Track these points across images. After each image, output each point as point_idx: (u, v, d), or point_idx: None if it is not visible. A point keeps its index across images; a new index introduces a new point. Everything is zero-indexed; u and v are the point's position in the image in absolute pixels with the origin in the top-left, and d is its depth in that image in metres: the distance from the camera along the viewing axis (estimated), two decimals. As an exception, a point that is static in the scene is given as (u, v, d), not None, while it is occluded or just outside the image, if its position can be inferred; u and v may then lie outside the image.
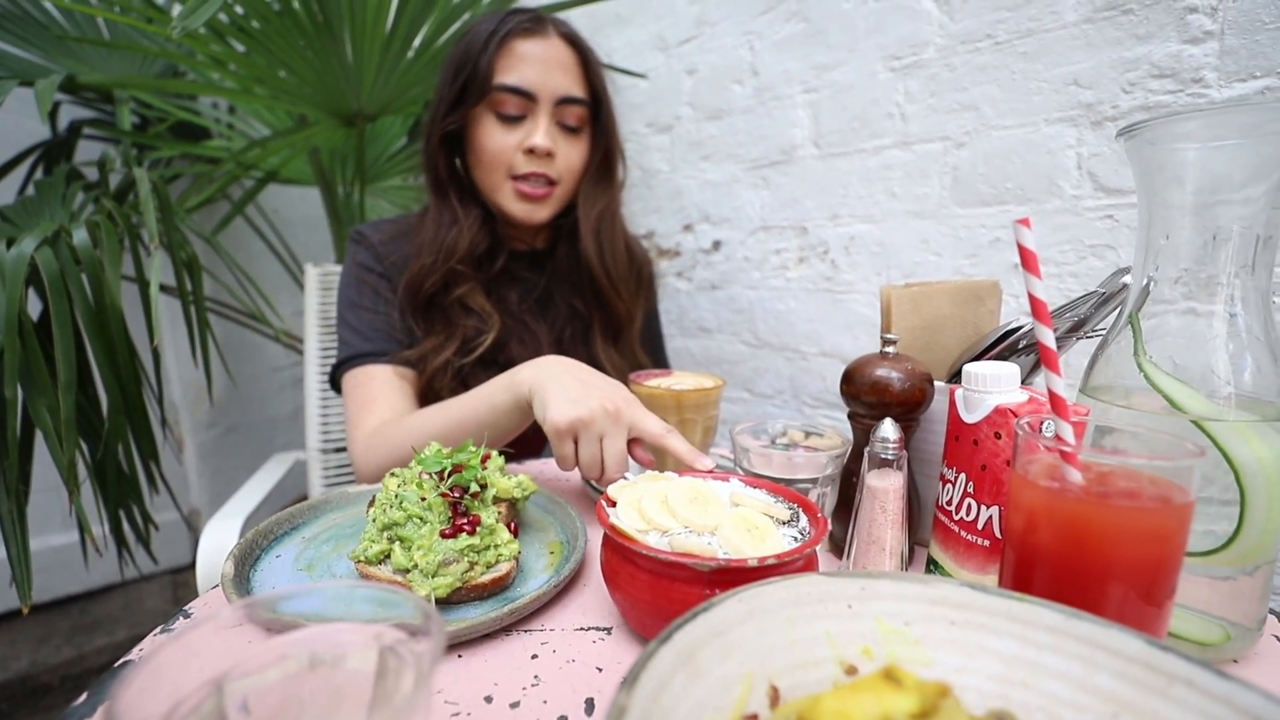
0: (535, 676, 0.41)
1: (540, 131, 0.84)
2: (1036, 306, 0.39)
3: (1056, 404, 0.39)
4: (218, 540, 0.88)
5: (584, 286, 0.95)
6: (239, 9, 1.11)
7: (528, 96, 0.83)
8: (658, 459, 0.63)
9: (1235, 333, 0.45)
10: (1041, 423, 0.41)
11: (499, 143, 0.85)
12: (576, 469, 0.62)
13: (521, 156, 0.85)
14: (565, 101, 0.85)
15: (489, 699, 0.39)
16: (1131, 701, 0.30)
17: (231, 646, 0.26)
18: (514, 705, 0.38)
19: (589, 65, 0.88)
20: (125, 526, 1.04)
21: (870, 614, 0.35)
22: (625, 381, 0.73)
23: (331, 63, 1.18)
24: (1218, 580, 0.45)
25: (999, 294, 0.68)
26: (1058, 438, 0.39)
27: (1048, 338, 0.39)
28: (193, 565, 2.00)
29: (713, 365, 1.27)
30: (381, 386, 0.83)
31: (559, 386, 0.61)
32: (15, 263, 0.81)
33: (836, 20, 0.99)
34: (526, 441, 0.93)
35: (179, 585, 1.89)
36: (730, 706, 0.29)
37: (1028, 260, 0.38)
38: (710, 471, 0.54)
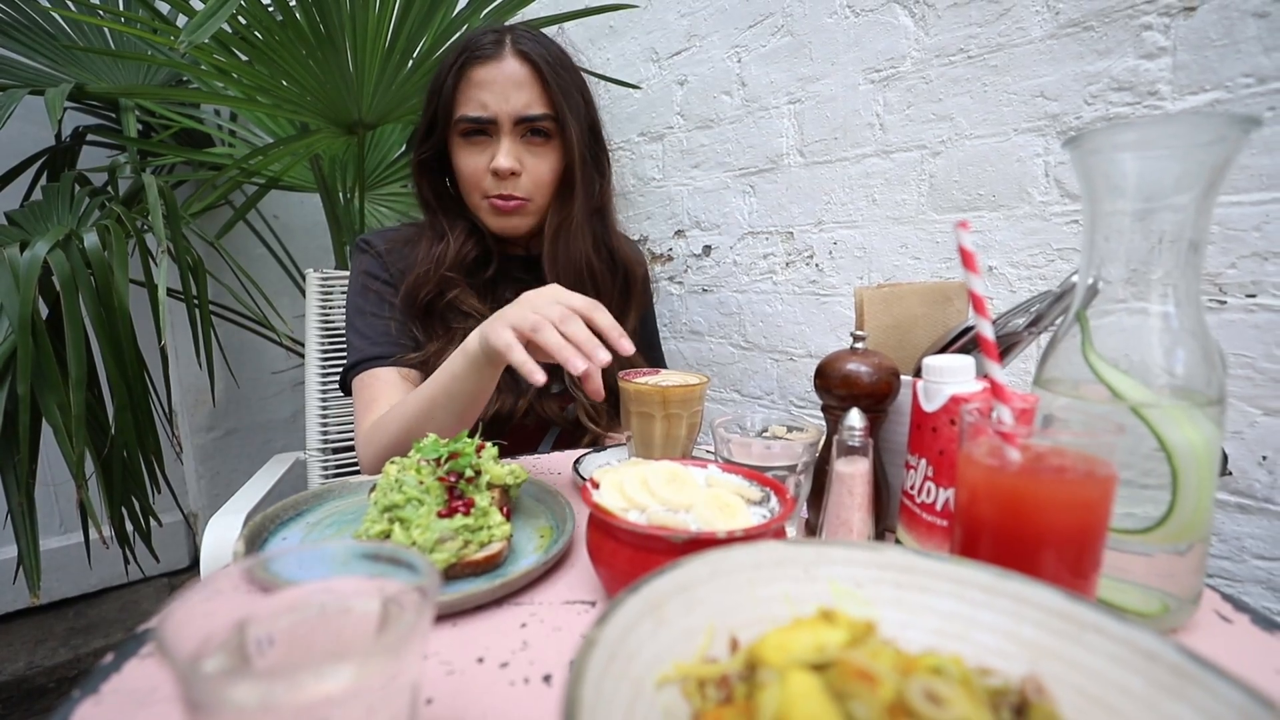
0: (524, 642, 0.44)
1: (502, 153, 0.88)
2: (976, 302, 0.43)
3: (996, 390, 0.42)
4: (221, 534, 0.92)
5: (570, 287, 0.98)
6: (242, 20, 1.15)
7: (487, 123, 0.88)
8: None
9: (1170, 328, 0.49)
10: (992, 409, 0.45)
11: (470, 165, 0.90)
12: (571, 462, 0.65)
13: (489, 178, 0.89)
14: (524, 120, 0.89)
15: (480, 660, 0.42)
16: (1050, 648, 0.33)
17: (246, 600, 0.30)
18: (503, 665, 0.42)
19: (547, 79, 0.89)
20: (128, 526, 1.08)
21: (824, 577, 0.38)
22: (616, 379, 0.77)
23: (333, 73, 1.22)
24: (1155, 556, 0.49)
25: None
26: (999, 421, 0.43)
27: (987, 330, 0.43)
28: (190, 568, 2.03)
29: (704, 367, 1.31)
30: (384, 386, 0.87)
31: (495, 318, 0.66)
32: (29, 264, 0.84)
33: (819, 34, 1.03)
34: (524, 435, 0.97)
35: (176, 588, 1.91)
36: (693, 652, 0.33)
37: (967, 260, 0.42)
38: (631, 356, 0.65)
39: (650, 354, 1.09)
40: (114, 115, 1.53)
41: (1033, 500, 0.40)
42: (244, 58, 1.23)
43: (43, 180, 1.47)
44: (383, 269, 0.94)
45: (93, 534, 1.03)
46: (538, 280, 1.00)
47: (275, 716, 0.24)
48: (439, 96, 0.90)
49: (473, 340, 0.69)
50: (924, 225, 0.93)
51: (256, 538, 0.55)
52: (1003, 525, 0.41)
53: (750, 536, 0.43)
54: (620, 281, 1.02)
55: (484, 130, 0.89)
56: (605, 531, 0.46)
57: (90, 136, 1.51)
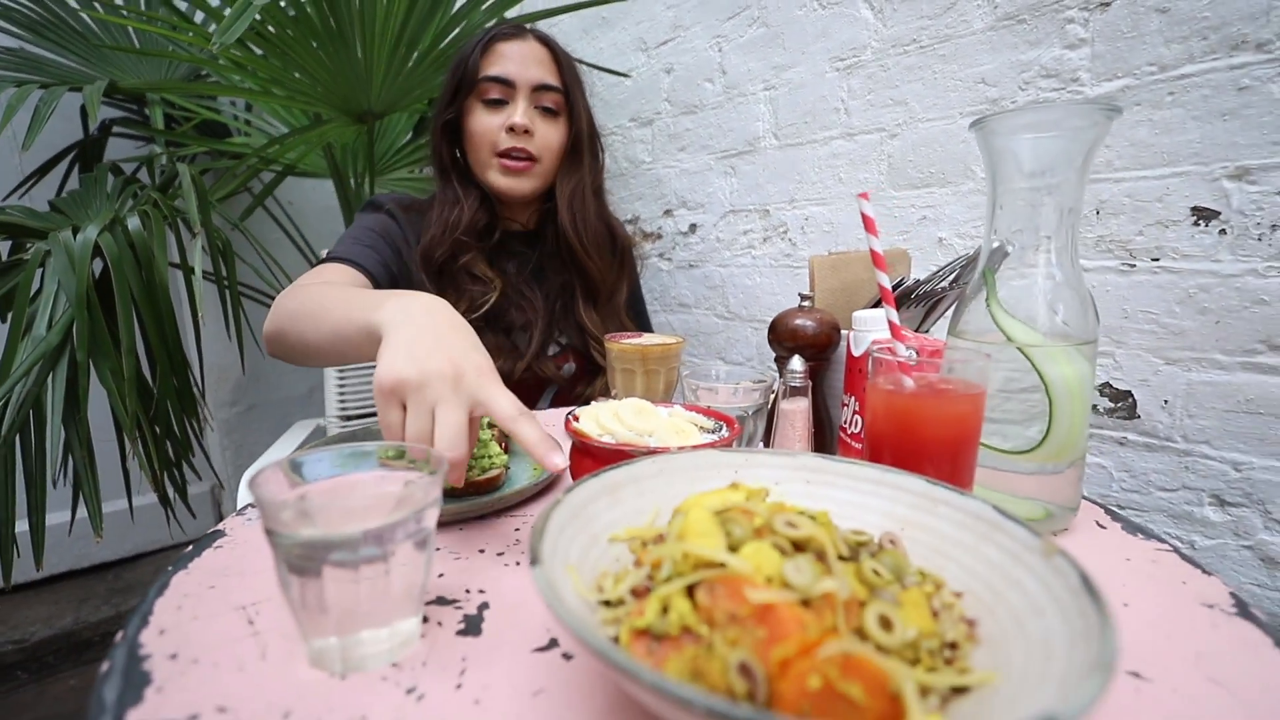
0: (517, 540, 0.55)
1: (519, 111, 1.00)
2: (876, 259, 0.53)
3: (893, 330, 0.52)
4: (249, 495, 1.03)
5: (567, 260, 1.10)
6: (258, 16, 1.24)
7: (507, 84, 1.00)
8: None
9: (1054, 282, 0.59)
10: (896, 349, 0.55)
11: (484, 124, 1.01)
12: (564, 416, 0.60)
13: (504, 134, 1.01)
14: (541, 88, 1.02)
15: (482, 550, 0.53)
16: (914, 520, 0.44)
17: (296, 486, 0.40)
18: (499, 554, 0.53)
19: (560, 61, 1.05)
20: (169, 491, 1.19)
21: (751, 477, 0.49)
22: (604, 343, 0.88)
23: (343, 65, 1.31)
24: (1040, 476, 0.59)
25: (908, 260, 0.82)
26: (895, 353, 0.53)
27: (884, 280, 0.53)
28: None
29: (691, 337, 1.41)
30: (335, 274, 0.89)
31: (406, 336, 0.52)
32: (82, 246, 0.95)
33: (791, 25, 1.12)
34: (524, 392, 1.08)
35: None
36: (641, 522, 0.44)
37: (868, 224, 0.52)
38: (561, 470, 0.49)
39: (638, 320, 1.20)
40: (137, 109, 1.64)
41: (918, 415, 0.50)
42: (259, 52, 1.33)
43: (74, 171, 1.58)
44: (391, 217, 1.04)
45: (136, 499, 1.15)
46: (538, 255, 1.11)
47: (328, 553, 0.34)
48: (464, 65, 1.01)
49: (382, 316, 0.56)
50: (884, 201, 1.03)
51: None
52: (898, 437, 0.52)
53: (697, 449, 0.54)
54: (617, 255, 1.13)
55: (501, 96, 1.00)
56: (583, 451, 0.57)
57: (116, 129, 1.62)
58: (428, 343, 0.51)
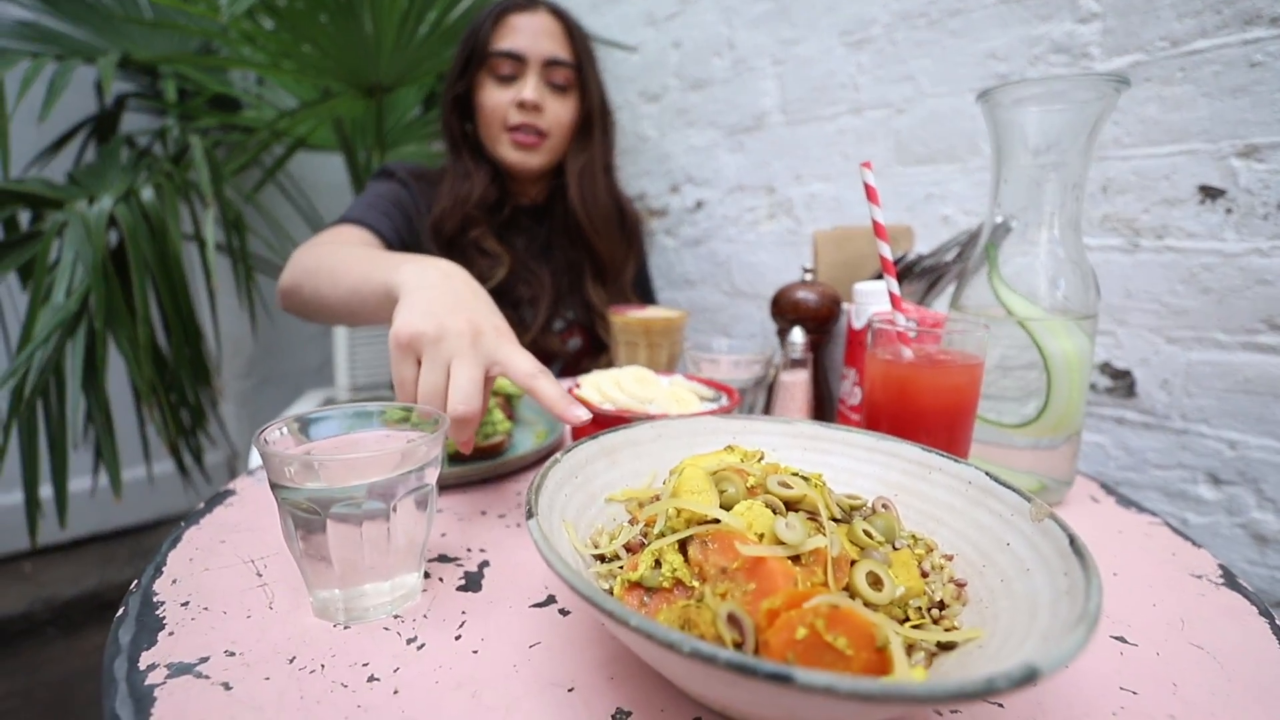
0: (519, 504, 0.57)
1: (529, 87, 1.00)
2: (877, 229, 0.53)
3: (894, 300, 0.53)
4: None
5: (576, 236, 1.10)
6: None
7: (518, 58, 0.99)
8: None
9: (1056, 257, 0.59)
10: (896, 319, 0.56)
11: (495, 99, 1.01)
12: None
13: (514, 110, 1.00)
14: (552, 63, 1.01)
15: (484, 513, 0.55)
16: (907, 485, 0.45)
17: (302, 444, 0.42)
18: (501, 515, 0.54)
19: (573, 35, 1.04)
20: (186, 460, 1.22)
21: (749, 443, 0.50)
22: (609, 315, 0.89)
23: (352, 38, 1.31)
24: (1038, 450, 0.60)
25: (911, 236, 0.81)
26: (894, 324, 0.53)
27: (885, 251, 0.53)
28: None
29: (696, 314, 1.42)
30: (351, 235, 0.89)
31: (424, 294, 0.52)
32: (98, 217, 0.97)
33: (800, -1, 1.11)
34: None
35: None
36: (638, 484, 0.45)
37: (870, 194, 0.52)
38: (583, 423, 0.48)
39: (644, 298, 1.22)
40: (151, 82, 1.65)
41: (916, 385, 0.51)
42: (269, 26, 1.33)
43: (91, 144, 1.59)
44: (403, 185, 1.03)
45: (156, 468, 1.18)
46: (547, 230, 1.12)
47: (330, 507, 0.35)
48: (475, 38, 1.01)
49: (398, 277, 0.56)
50: (890, 177, 1.02)
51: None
52: (896, 407, 0.53)
53: (695, 416, 0.55)
54: (626, 233, 1.14)
55: (512, 71, 1.00)
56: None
57: (132, 103, 1.63)
58: (447, 301, 0.51)
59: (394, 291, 0.55)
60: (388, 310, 0.56)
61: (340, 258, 0.73)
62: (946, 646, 0.32)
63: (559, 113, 1.03)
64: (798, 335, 0.65)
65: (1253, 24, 0.68)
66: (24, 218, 1.15)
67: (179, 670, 0.33)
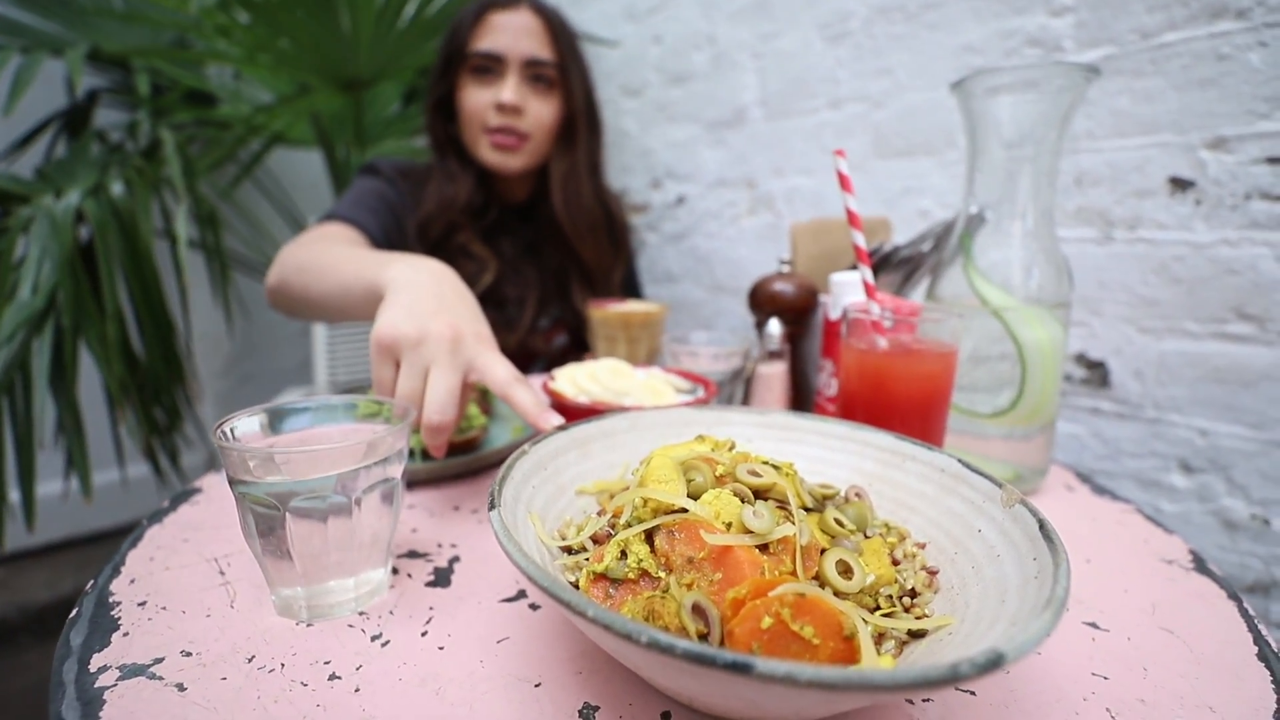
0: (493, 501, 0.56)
1: (509, 88, 0.97)
2: (851, 217, 0.53)
3: (868, 289, 0.53)
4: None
5: (562, 240, 1.08)
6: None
7: (497, 59, 0.97)
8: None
9: (1029, 248, 0.59)
10: (870, 308, 0.55)
11: (475, 100, 0.99)
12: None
13: (493, 111, 0.98)
14: (533, 63, 0.98)
15: (456, 508, 0.54)
16: (881, 474, 0.45)
17: (266, 438, 0.41)
18: (474, 511, 0.53)
19: (557, 33, 1.01)
20: (162, 459, 1.20)
21: (722, 434, 0.49)
22: (589, 310, 0.88)
23: (329, 32, 1.29)
24: (1012, 440, 0.60)
25: (889, 227, 0.82)
26: (869, 312, 0.53)
27: (859, 240, 0.53)
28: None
29: (678, 309, 1.41)
30: (339, 232, 0.87)
31: (409, 294, 0.52)
32: (64, 212, 0.95)
33: (780, -8, 1.11)
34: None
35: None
36: (611, 476, 0.44)
37: (844, 182, 0.52)
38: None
39: (632, 295, 1.20)
40: (124, 77, 1.61)
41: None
42: (245, 19, 1.31)
43: (62, 139, 1.56)
44: (389, 184, 1.01)
45: (133, 470, 1.15)
46: (534, 231, 1.10)
47: (291, 501, 0.35)
48: (455, 37, 0.99)
49: (385, 276, 0.56)
50: (869, 172, 1.02)
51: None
52: (871, 396, 0.52)
53: (669, 408, 0.54)
54: (614, 235, 1.12)
55: (492, 69, 0.97)
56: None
57: (104, 98, 1.59)
58: (430, 305, 0.51)
59: (381, 289, 0.55)
60: (374, 308, 0.56)
61: (329, 255, 0.72)
62: (918, 634, 0.32)
63: (541, 114, 1.01)
64: (775, 327, 0.65)
65: (1220, 17, 0.68)
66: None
67: (131, 672, 0.32)
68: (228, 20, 1.29)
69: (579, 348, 1.14)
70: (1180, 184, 0.72)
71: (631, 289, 1.23)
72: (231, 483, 0.36)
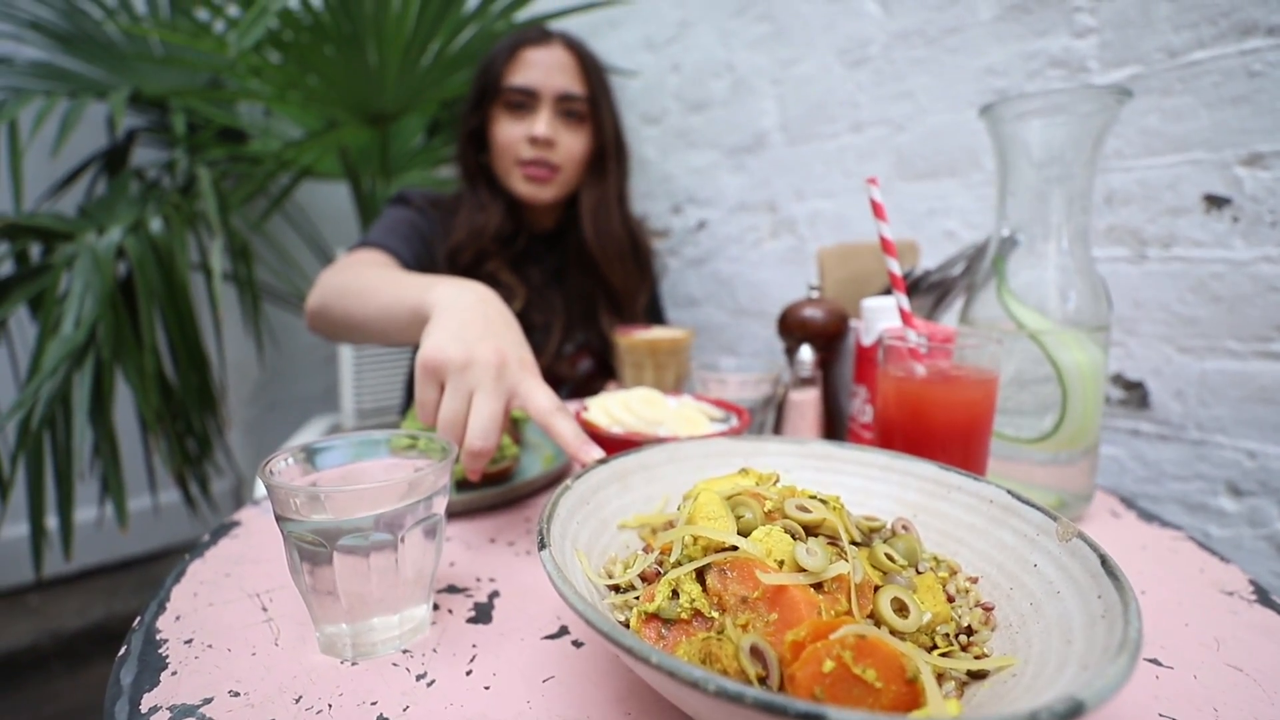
0: (529, 530, 0.56)
1: (541, 122, 0.99)
2: (885, 245, 0.53)
3: (904, 316, 0.52)
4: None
5: (589, 267, 1.10)
6: (273, 24, 1.26)
7: (530, 94, 0.99)
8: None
9: (1064, 269, 0.58)
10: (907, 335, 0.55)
11: (508, 134, 1.01)
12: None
13: (526, 145, 1.00)
14: (565, 97, 1.01)
15: (492, 540, 0.54)
16: (925, 505, 0.44)
17: (308, 474, 0.41)
18: (510, 543, 0.53)
19: (588, 67, 1.04)
20: (193, 489, 1.21)
21: (761, 465, 0.49)
22: (615, 337, 0.88)
23: (357, 68, 1.33)
24: (1055, 465, 0.59)
25: (917, 250, 0.81)
26: (906, 340, 0.53)
27: (894, 267, 0.53)
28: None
29: (701, 333, 1.41)
30: (374, 258, 0.88)
31: (457, 317, 0.52)
32: (107, 248, 0.97)
33: (796, 20, 1.12)
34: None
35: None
36: (650, 509, 0.44)
37: (877, 210, 0.52)
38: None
39: (655, 322, 1.21)
40: (160, 116, 1.67)
41: (930, 401, 0.50)
42: (276, 59, 1.35)
43: (102, 178, 1.61)
44: (420, 213, 1.03)
45: (163, 497, 1.17)
46: (560, 258, 1.12)
47: (338, 539, 0.35)
48: (489, 71, 1.01)
49: (430, 299, 0.57)
50: (892, 194, 1.02)
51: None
52: (910, 425, 0.52)
53: (706, 438, 0.54)
54: (640, 261, 1.14)
55: (526, 104, 1.00)
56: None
57: (142, 137, 1.65)
58: (478, 328, 0.51)
59: (425, 311, 0.56)
60: (418, 330, 0.56)
61: (370, 278, 0.73)
62: (977, 675, 0.31)
63: (571, 146, 1.03)
64: (806, 353, 0.65)
65: (1250, 34, 0.68)
66: (35, 251, 1.15)
67: (182, 713, 0.32)
68: (260, 61, 1.33)
69: (604, 373, 1.15)
70: (1216, 201, 0.71)
71: (655, 314, 1.24)
72: (278, 519, 0.36)
